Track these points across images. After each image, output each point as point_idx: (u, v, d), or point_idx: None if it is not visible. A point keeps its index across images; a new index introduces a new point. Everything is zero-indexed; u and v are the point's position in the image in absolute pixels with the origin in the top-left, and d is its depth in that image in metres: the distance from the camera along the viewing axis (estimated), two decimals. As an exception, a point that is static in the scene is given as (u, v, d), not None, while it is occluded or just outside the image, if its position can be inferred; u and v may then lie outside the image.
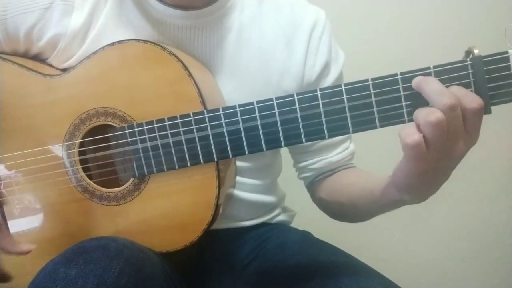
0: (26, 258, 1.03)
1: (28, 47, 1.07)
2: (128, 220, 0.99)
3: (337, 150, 1.19)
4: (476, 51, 0.78)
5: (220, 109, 0.90)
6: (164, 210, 0.98)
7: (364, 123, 0.83)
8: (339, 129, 0.84)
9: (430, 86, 0.77)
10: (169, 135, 0.93)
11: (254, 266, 1.15)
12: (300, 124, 0.86)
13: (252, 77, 1.11)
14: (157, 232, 0.99)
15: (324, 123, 0.84)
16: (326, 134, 0.85)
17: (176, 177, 0.96)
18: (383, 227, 1.94)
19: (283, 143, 0.87)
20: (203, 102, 0.94)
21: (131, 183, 0.99)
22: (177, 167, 0.94)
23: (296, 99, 0.85)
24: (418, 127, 0.76)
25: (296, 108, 0.85)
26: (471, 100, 0.76)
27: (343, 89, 0.83)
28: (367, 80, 0.82)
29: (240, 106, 0.88)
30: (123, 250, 0.86)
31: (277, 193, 1.30)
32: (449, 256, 2.08)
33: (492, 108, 0.79)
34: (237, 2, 1.11)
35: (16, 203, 1.04)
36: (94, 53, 1.00)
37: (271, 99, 0.87)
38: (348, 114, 0.83)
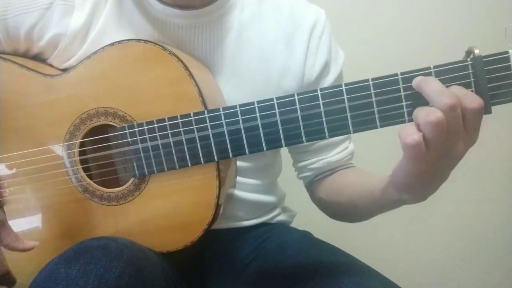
0: (26, 258, 1.03)
1: (28, 46, 1.07)
2: (128, 220, 1.00)
3: (337, 150, 1.19)
4: (476, 51, 0.78)
5: (221, 109, 0.90)
6: (165, 210, 0.98)
7: (364, 123, 0.83)
8: (339, 129, 0.85)
9: (430, 86, 0.77)
10: (170, 135, 0.93)
11: (254, 266, 1.15)
12: (301, 124, 0.86)
13: (252, 76, 1.11)
14: (157, 232, 0.99)
15: (324, 123, 0.85)
16: (327, 134, 0.85)
17: (177, 177, 0.96)
18: (383, 227, 1.94)
19: (283, 143, 0.88)
20: (203, 102, 0.94)
21: (132, 183, 0.99)
22: (177, 167, 0.94)
23: (296, 99, 0.85)
24: (418, 126, 0.76)
25: (296, 108, 0.85)
26: (472, 100, 0.76)
27: (344, 89, 0.83)
28: (367, 80, 0.82)
29: (241, 106, 0.88)
30: (124, 250, 0.86)
31: (277, 193, 1.30)
32: (449, 256, 2.08)
33: (493, 108, 0.79)
34: (237, 1, 1.11)
35: (16, 203, 1.04)
36: (95, 53, 1.00)
37: (271, 99, 0.87)
38: (348, 114, 0.83)
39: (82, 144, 1.01)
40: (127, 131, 0.96)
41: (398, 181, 0.85)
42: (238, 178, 1.11)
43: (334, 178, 1.20)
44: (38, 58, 1.09)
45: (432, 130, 0.74)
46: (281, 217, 1.31)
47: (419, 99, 0.79)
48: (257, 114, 0.88)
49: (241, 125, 0.89)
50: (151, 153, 0.95)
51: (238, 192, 1.15)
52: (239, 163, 1.10)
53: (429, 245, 2.07)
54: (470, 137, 0.78)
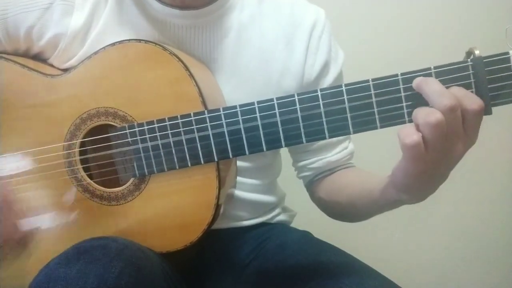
0: (26, 257, 1.03)
1: (28, 46, 1.07)
2: (128, 220, 0.99)
3: (336, 150, 1.19)
4: (477, 52, 0.78)
5: (221, 109, 0.90)
6: (165, 210, 0.98)
7: (364, 124, 0.83)
8: (339, 129, 0.84)
9: (430, 87, 0.77)
10: (170, 135, 0.93)
11: (254, 266, 1.15)
12: (301, 124, 0.86)
13: (252, 76, 1.11)
14: (157, 232, 0.99)
15: (324, 123, 0.84)
16: (327, 134, 0.85)
17: (177, 177, 0.96)
18: (383, 227, 1.94)
19: (283, 143, 0.87)
20: (203, 102, 0.94)
21: (132, 183, 0.99)
22: (177, 167, 0.94)
23: (296, 99, 0.85)
24: (417, 127, 0.76)
25: (296, 108, 0.85)
26: (472, 101, 0.76)
27: (344, 90, 0.83)
28: (367, 81, 0.82)
29: (241, 106, 0.88)
30: (124, 250, 0.86)
31: (277, 193, 1.30)
32: (449, 256, 2.08)
33: (493, 108, 0.79)
34: (236, 1, 1.11)
35: (16, 203, 1.04)
36: (95, 53, 1.00)
37: (271, 99, 0.87)
38: (348, 115, 0.83)
39: (82, 144, 1.01)
40: (128, 131, 0.96)
41: (397, 181, 0.85)
42: (238, 178, 1.11)
43: (333, 178, 1.20)
44: (39, 58, 1.09)
45: (431, 131, 0.74)
46: (281, 217, 1.31)
47: (419, 100, 0.79)
48: (257, 115, 0.88)
49: (241, 125, 0.89)
50: (151, 153, 0.95)
51: (238, 192, 1.15)
52: (239, 163, 1.10)
53: (429, 245, 2.07)
54: (470, 138, 0.78)
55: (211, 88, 1.04)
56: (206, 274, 1.16)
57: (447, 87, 0.77)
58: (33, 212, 1.04)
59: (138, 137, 0.95)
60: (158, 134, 0.93)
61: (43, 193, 1.03)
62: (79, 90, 1.01)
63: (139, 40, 0.98)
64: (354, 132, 0.84)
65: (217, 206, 0.95)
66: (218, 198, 0.95)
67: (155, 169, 0.95)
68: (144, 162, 0.95)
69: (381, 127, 0.83)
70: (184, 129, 0.92)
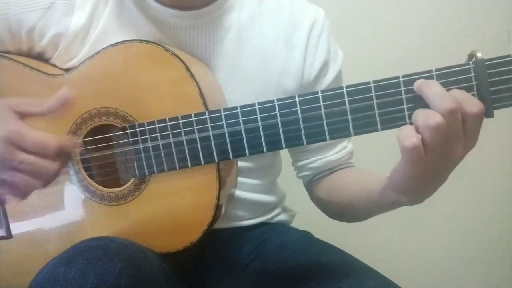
0: (26, 257, 1.03)
1: (30, 45, 1.07)
2: (128, 220, 1.00)
3: (336, 149, 1.19)
4: (478, 55, 0.78)
5: (222, 110, 0.90)
6: (165, 211, 0.98)
7: (365, 126, 0.83)
8: (340, 131, 0.84)
9: (431, 89, 0.77)
10: (170, 136, 0.93)
11: (254, 266, 1.15)
12: (301, 126, 0.86)
13: (252, 76, 1.11)
14: (157, 232, 0.99)
15: (325, 125, 0.84)
16: (327, 136, 0.85)
17: (177, 177, 0.96)
18: (383, 227, 1.94)
19: (284, 144, 0.87)
20: (204, 103, 0.94)
21: (132, 183, 0.99)
22: (178, 168, 0.94)
23: (297, 101, 0.85)
24: (417, 129, 0.76)
25: (297, 109, 0.85)
26: (472, 104, 0.76)
27: (345, 91, 0.83)
28: (369, 82, 0.82)
29: (242, 107, 0.88)
30: (123, 250, 0.86)
31: (277, 192, 1.30)
32: (449, 256, 2.08)
33: (494, 111, 0.79)
34: (236, 1, 1.11)
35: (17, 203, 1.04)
36: (97, 53, 1.00)
37: (272, 101, 0.87)
38: (349, 116, 0.83)
39: (83, 144, 1.00)
40: (128, 131, 0.96)
41: (395, 183, 0.85)
42: (238, 178, 1.11)
43: (333, 177, 1.20)
44: (41, 57, 1.09)
45: (431, 133, 0.74)
46: (281, 217, 1.31)
47: (420, 102, 0.79)
48: (258, 116, 0.88)
49: (242, 127, 0.89)
50: (151, 153, 0.95)
51: (238, 192, 1.15)
52: (239, 163, 1.10)
53: (429, 245, 2.07)
54: (469, 141, 0.78)
55: (212, 89, 1.04)
56: (206, 274, 1.16)
57: (448, 90, 0.77)
58: (34, 211, 1.04)
59: (139, 137, 0.95)
60: (158, 134, 0.94)
61: (44, 192, 1.02)
62: (80, 90, 1.00)
63: (141, 41, 0.98)
64: (355, 134, 0.84)
65: (217, 207, 0.95)
66: (218, 198, 0.95)
67: (155, 169, 0.95)
68: (144, 162, 0.95)
69: (382, 129, 0.83)
70: (185, 129, 0.92)
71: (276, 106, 0.86)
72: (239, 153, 0.90)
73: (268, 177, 1.24)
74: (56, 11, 1.03)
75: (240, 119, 0.89)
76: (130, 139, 0.96)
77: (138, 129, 0.95)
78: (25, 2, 1.03)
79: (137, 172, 0.97)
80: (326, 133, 0.85)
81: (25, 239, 1.04)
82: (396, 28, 1.88)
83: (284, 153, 1.27)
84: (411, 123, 0.80)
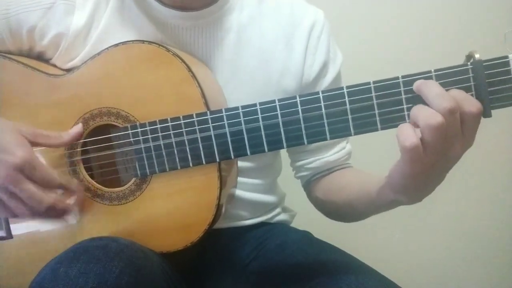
0: (27, 257, 1.03)
1: (31, 45, 1.07)
2: (129, 220, 1.00)
3: (334, 150, 1.19)
4: (477, 56, 0.78)
5: (223, 110, 0.90)
6: (166, 210, 0.98)
7: (365, 126, 0.84)
8: (341, 131, 0.85)
9: (430, 89, 0.77)
10: (172, 136, 0.93)
11: (255, 266, 1.15)
12: (302, 125, 0.86)
13: (252, 76, 1.11)
14: (158, 232, 0.99)
15: (326, 125, 0.85)
16: (328, 136, 0.86)
17: (178, 177, 0.96)
18: (383, 227, 1.94)
19: (285, 144, 0.88)
20: (206, 103, 0.94)
21: (133, 183, 0.99)
22: (179, 168, 0.95)
23: (298, 101, 0.86)
24: (415, 124, 0.77)
25: (298, 109, 0.86)
26: (471, 104, 0.76)
27: (345, 91, 0.83)
28: (369, 83, 0.82)
29: (243, 107, 0.89)
30: (124, 250, 0.86)
31: (277, 192, 1.31)
32: (449, 256, 2.08)
33: (492, 111, 0.79)
34: (236, 2, 1.12)
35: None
36: (99, 53, 1.01)
37: (273, 101, 0.87)
38: (349, 116, 0.84)
39: (84, 144, 1.01)
40: (130, 131, 0.96)
41: (394, 182, 0.85)
42: (239, 178, 1.12)
43: (331, 178, 1.20)
44: (42, 58, 1.09)
45: (431, 133, 0.75)
46: (281, 217, 1.31)
47: (419, 102, 0.79)
48: (259, 116, 0.88)
49: (243, 126, 0.89)
50: (153, 153, 0.95)
51: (239, 192, 1.15)
52: (240, 163, 1.10)
53: (429, 245, 2.07)
54: (467, 141, 0.79)
55: (213, 89, 1.04)
56: (207, 274, 1.17)
57: (447, 90, 0.78)
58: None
59: (140, 137, 0.95)
60: (160, 134, 0.94)
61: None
62: (82, 90, 1.01)
63: (143, 41, 0.98)
64: (355, 134, 0.85)
65: (218, 207, 0.96)
66: (219, 198, 0.95)
67: (156, 169, 0.96)
68: (146, 162, 0.96)
69: (382, 128, 0.83)
70: (186, 129, 0.92)
71: (277, 106, 0.87)
72: (240, 153, 0.91)
73: (269, 176, 1.24)
74: (57, 11, 1.03)
75: (242, 119, 0.89)
76: (132, 139, 0.96)
77: (139, 129, 0.95)
78: (26, 2, 1.03)
79: (138, 172, 0.97)
80: (327, 132, 0.85)
81: (26, 240, 1.04)
82: (396, 29, 1.88)
83: (284, 153, 1.28)
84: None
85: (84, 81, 1.02)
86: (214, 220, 0.97)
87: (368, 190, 0.97)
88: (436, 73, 0.80)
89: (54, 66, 1.07)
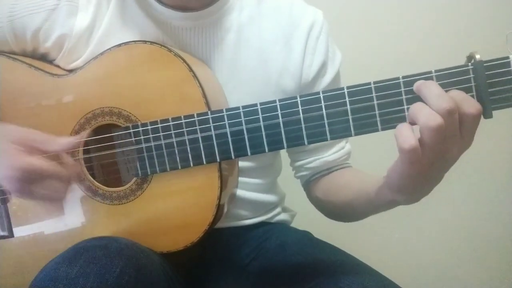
0: (27, 256, 1.04)
1: (35, 47, 1.07)
2: (130, 220, 1.00)
3: (333, 150, 1.19)
4: (477, 56, 0.78)
5: (224, 110, 0.90)
6: (166, 210, 0.98)
7: (366, 126, 0.84)
8: (341, 131, 0.85)
9: (430, 90, 0.78)
10: (173, 135, 0.93)
11: (255, 265, 1.16)
12: (303, 126, 0.86)
13: (251, 76, 1.12)
14: (158, 232, 0.99)
15: (326, 125, 0.85)
16: (328, 136, 0.86)
17: (179, 177, 0.96)
18: (383, 227, 1.94)
19: (285, 144, 0.88)
20: (207, 103, 0.95)
21: (134, 183, 0.99)
22: (180, 167, 0.95)
23: (299, 101, 0.86)
24: (413, 123, 0.78)
25: (299, 110, 0.86)
26: (470, 105, 0.76)
27: (346, 92, 0.83)
28: (369, 83, 0.82)
29: (244, 107, 0.89)
30: (124, 250, 0.87)
31: (277, 192, 1.31)
32: (449, 256, 2.08)
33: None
34: (235, 3, 1.12)
35: (19, 201, 1.04)
36: (101, 54, 1.01)
37: (274, 101, 0.87)
38: (350, 117, 0.84)
39: (86, 143, 1.01)
40: (131, 130, 0.96)
41: (392, 182, 0.86)
42: (239, 178, 1.12)
43: (330, 178, 1.20)
44: (46, 59, 1.09)
45: (430, 134, 0.75)
46: (281, 217, 1.31)
47: (420, 103, 0.79)
48: (260, 116, 0.88)
49: (244, 127, 0.89)
50: (154, 153, 0.95)
51: (239, 192, 1.15)
52: (240, 163, 1.10)
53: (429, 245, 2.07)
54: (465, 142, 0.79)
55: (214, 89, 1.04)
56: (207, 274, 1.17)
57: (447, 91, 0.78)
58: (35, 210, 1.04)
59: (142, 137, 0.96)
60: (161, 134, 0.94)
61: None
62: (84, 90, 1.01)
63: (145, 42, 0.99)
64: (356, 134, 0.85)
65: (219, 207, 0.96)
66: (219, 198, 0.95)
67: (157, 169, 0.96)
68: (147, 161, 0.96)
69: (382, 129, 0.83)
70: (187, 129, 0.92)
71: (278, 106, 0.87)
72: (240, 153, 0.91)
73: (269, 176, 1.24)
74: (61, 13, 1.03)
75: (242, 119, 0.89)
76: (133, 139, 0.96)
77: (141, 129, 0.95)
78: (30, 4, 1.03)
79: (139, 171, 0.97)
80: (327, 133, 0.86)
81: (27, 239, 1.04)
82: (396, 29, 1.88)
83: (284, 153, 1.28)
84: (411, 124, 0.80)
85: (86, 81, 1.02)
86: (215, 220, 0.97)
87: (366, 190, 0.97)
88: (437, 73, 0.80)
89: (58, 66, 1.08)
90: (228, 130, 0.90)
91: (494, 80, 0.78)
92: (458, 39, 1.85)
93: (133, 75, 0.98)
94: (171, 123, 0.93)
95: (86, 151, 1.01)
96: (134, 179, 0.99)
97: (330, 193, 1.17)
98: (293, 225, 1.35)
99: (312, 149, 1.19)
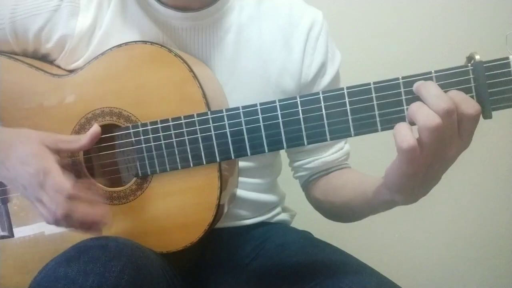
0: (28, 256, 1.04)
1: (36, 47, 1.07)
2: (129, 220, 1.00)
3: (332, 150, 1.19)
4: (477, 57, 0.78)
5: (224, 111, 0.90)
6: (166, 210, 0.98)
7: (366, 126, 0.84)
8: (341, 131, 0.85)
9: (428, 90, 0.78)
10: (173, 135, 0.94)
11: (255, 265, 1.16)
12: (302, 126, 0.86)
13: (251, 77, 1.12)
14: (158, 232, 0.99)
15: (326, 125, 0.85)
16: (328, 136, 0.86)
17: (179, 177, 0.96)
18: (383, 227, 1.94)
19: (285, 145, 0.88)
20: (207, 104, 0.95)
21: (134, 183, 0.99)
22: (180, 167, 0.95)
23: (298, 101, 0.86)
24: (412, 122, 0.78)
25: (298, 110, 0.86)
26: (469, 105, 0.76)
27: (345, 92, 0.83)
28: (369, 84, 0.82)
29: (243, 107, 0.89)
30: (123, 250, 0.86)
31: (277, 192, 1.31)
32: (449, 256, 2.08)
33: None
34: (235, 3, 1.12)
35: (20, 200, 1.04)
36: (102, 54, 1.01)
37: (274, 101, 0.87)
38: (350, 117, 0.84)
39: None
40: (131, 130, 0.96)
41: (390, 182, 0.85)
42: (239, 178, 1.12)
43: (329, 178, 1.20)
44: (46, 59, 1.09)
45: (429, 135, 0.75)
46: (281, 217, 1.31)
47: (420, 103, 0.79)
48: (260, 116, 0.88)
49: (244, 127, 0.89)
50: (154, 153, 0.95)
51: (239, 191, 1.15)
52: (240, 163, 1.10)
53: (429, 245, 2.07)
54: (463, 142, 0.79)
55: (214, 89, 1.04)
56: (207, 274, 1.17)
57: (447, 91, 0.78)
58: (35, 210, 1.04)
59: (142, 137, 0.96)
60: (161, 134, 0.94)
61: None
62: (85, 90, 1.01)
63: (145, 42, 0.99)
64: (355, 135, 0.85)
65: (219, 207, 0.96)
66: (219, 198, 0.96)
67: (157, 169, 0.96)
68: (147, 161, 0.96)
69: (382, 129, 0.83)
70: (187, 129, 0.93)
71: (278, 107, 0.87)
72: (240, 153, 0.91)
73: (269, 176, 1.25)
74: (63, 13, 1.04)
75: (242, 119, 0.89)
76: (133, 139, 0.96)
77: (141, 129, 0.96)
78: (32, 5, 1.03)
79: (139, 171, 0.97)
80: (327, 133, 0.85)
81: (27, 239, 1.04)
82: (396, 30, 1.88)
83: (284, 154, 1.28)
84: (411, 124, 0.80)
85: (87, 81, 1.02)
86: (215, 221, 0.97)
87: (364, 190, 0.98)
88: (437, 74, 0.80)
89: (58, 67, 1.08)
90: (228, 130, 0.90)
91: (494, 80, 0.78)
92: (458, 39, 1.85)
93: (133, 75, 0.99)
94: (171, 123, 0.93)
95: (86, 151, 1.01)
96: (134, 179, 0.99)
97: (329, 194, 1.17)
98: (293, 225, 1.35)
99: (311, 149, 1.19)
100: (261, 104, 0.88)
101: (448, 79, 0.79)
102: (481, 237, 2.08)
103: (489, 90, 0.78)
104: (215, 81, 1.08)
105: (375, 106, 0.82)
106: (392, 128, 0.81)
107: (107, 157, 1.02)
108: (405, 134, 0.76)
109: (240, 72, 1.11)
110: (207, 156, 0.93)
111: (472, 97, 0.79)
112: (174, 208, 0.98)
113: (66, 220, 0.90)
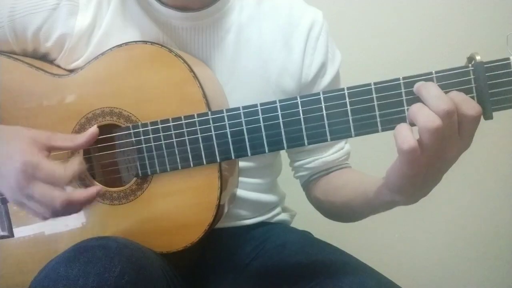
0: (27, 256, 1.04)
1: (35, 47, 1.07)
2: (129, 220, 1.00)
3: (332, 150, 1.20)
4: (478, 57, 0.78)
5: (224, 111, 0.90)
6: (166, 211, 0.98)
7: (366, 127, 0.84)
8: (341, 132, 0.85)
9: (429, 91, 0.77)
10: (173, 136, 0.94)
11: (255, 265, 1.16)
12: (303, 126, 0.86)
13: (251, 77, 1.12)
14: (158, 232, 0.99)
15: (326, 126, 0.85)
16: (328, 137, 0.86)
17: (179, 177, 0.96)
18: (383, 227, 1.94)
19: (285, 145, 0.88)
20: (207, 104, 0.95)
21: (134, 183, 0.99)
22: (180, 167, 0.95)
23: (299, 102, 0.86)
24: (412, 124, 0.78)
25: (299, 110, 0.86)
26: (470, 106, 0.76)
27: (346, 93, 0.83)
28: (369, 84, 0.82)
29: (244, 108, 0.89)
30: (124, 250, 0.86)
31: (277, 192, 1.31)
32: (449, 256, 2.08)
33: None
34: (235, 3, 1.12)
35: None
36: (102, 54, 1.01)
37: (274, 102, 0.87)
38: (350, 117, 0.84)
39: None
40: (132, 131, 0.96)
41: (391, 183, 0.85)
42: (240, 178, 1.12)
43: (329, 178, 1.20)
44: (46, 59, 1.09)
45: (429, 135, 0.75)
46: (281, 217, 1.31)
47: (420, 104, 0.79)
48: (260, 116, 0.88)
49: (244, 127, 0.89)
50: (154, 153, 0.95)
51: (239, 191, 1.15)
52: (240, 163, 1.10)
53: (429, 245, 2.08)
54: (464, 143, 0.79)
55: (215, 89, 1.04)
56: (207, 274, 1.17)
57: (448, 92, 0.78)
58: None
59: (142, 137, 0.96)
60: (161, 134, 0.94)
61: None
62: (85, 90, 1.01)
63: (146, 42, 0.99)
64: (356, 135, 0.85)
65: (219, 207, 0.96)
66: (219, 198, 0.96)
67: (158, 169, 0.96)
68: (147, 162, 0.96)
69: (383, 130, 0.83)
70: (188, 129, 0.93)
71: (278, 107, 0.87)
72: (241, 153, 0.91)
73: (269, 176, 1.25)
74: (62, 12, 1.03)
75: (242, 119, 0.89)
76: (133, 139, 0.96)
77: (141, 129, 0.96)
78: (31, 4, 1.03)
79: (139, 171, 0.97)
80: (327, 133, 0.85)
81: (27, 239, 1.04)
82: (397, 30, 1.88)
83: (284, 154, 1.28)
84: (411, 125, 0.80)
85: (87, 81, 1.02)
86: (215, 221, 0.97)
87: (365, 190, 0.98)
88: (437, 74, 0.80)
89: (58, 66, 1.08)
90: (228, 130, 0.90)
91: (494, 81, 0.78)
92: (458, 40, 1.85)
93: (133, 75, 0.98)
94: (171, 123, 0.93)
95: (86, 151, 1.01)
96: (134, 179, 0.99)
97: (329, 193, 1.17)
98: (293, 225, 1.35)
99: (311, 149, 1.19)
100: (261, 104, 0.88)
101: (448, 80, 0.79)
102: (481, 237, 2.08)
103: (489, 91, 0.78)
104: (215, 81, 1.08)
105: (375, 106, 0.82)
106: (392, 128, 0.81)
107: (107, 157, 1.02)
108: (405, 135, 0.76)
109: (240, 72, 1.11)
110: (208, 156, 0.93)
111: (472, 97, 0.79)
112: (174, 208, 0.98)
113: (66, 208, 0.90)
